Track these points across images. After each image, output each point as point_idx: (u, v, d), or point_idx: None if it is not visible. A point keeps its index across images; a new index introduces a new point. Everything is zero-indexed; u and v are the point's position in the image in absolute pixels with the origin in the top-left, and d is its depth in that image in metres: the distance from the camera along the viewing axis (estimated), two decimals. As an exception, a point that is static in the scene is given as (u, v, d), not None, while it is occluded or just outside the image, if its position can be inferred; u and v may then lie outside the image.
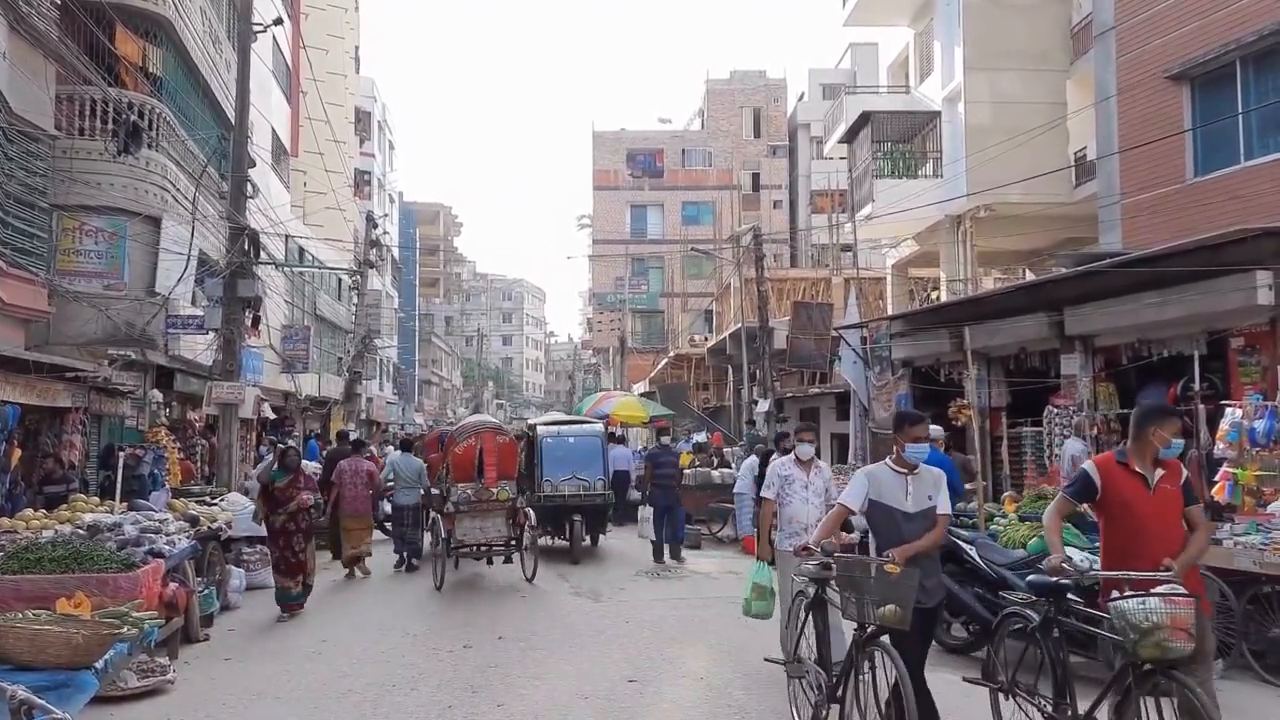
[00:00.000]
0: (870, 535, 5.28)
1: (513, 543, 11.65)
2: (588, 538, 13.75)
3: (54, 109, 12.44)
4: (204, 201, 14.48)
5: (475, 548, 11.62)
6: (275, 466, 10.17)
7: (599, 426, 15.72)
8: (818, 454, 7.18)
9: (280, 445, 12.94)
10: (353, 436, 17.35)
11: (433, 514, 12.60)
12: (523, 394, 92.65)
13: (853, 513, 5.18)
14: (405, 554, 12.96)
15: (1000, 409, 13.11)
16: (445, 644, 8.19)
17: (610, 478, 14.60)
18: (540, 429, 14.72)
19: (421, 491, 12.87)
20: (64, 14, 12.11)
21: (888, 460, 5.18)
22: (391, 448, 17.92)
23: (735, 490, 15.22)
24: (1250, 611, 6.82)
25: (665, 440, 15.64)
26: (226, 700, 6.57)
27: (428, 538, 13.13)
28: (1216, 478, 8.35)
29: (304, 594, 9.79)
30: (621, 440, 21.58)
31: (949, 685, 5.93)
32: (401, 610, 9.91)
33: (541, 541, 13.77)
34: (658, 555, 13.28)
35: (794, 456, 6.94)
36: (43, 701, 3.68)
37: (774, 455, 13.15)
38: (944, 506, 5.10)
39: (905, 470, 5.05)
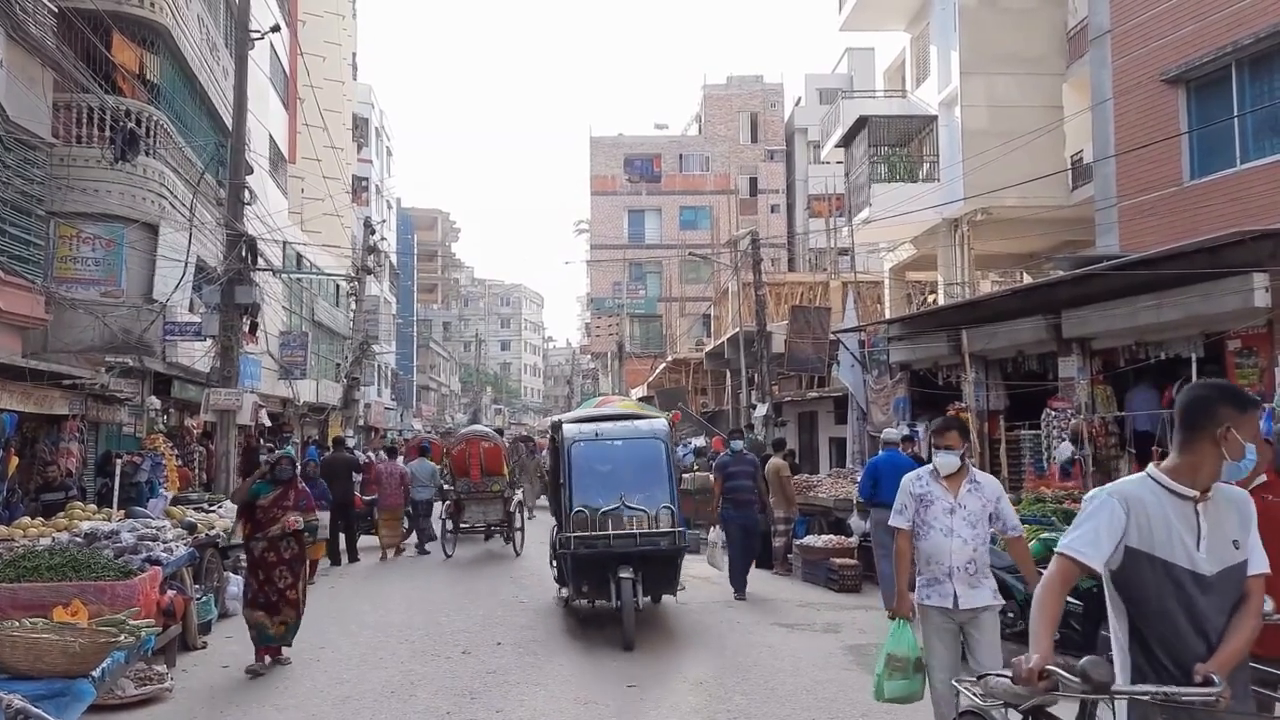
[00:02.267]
0: (1118, 603, 2.83)
1: (506, 524, 15.17)
2: (643, 598, 8.98)
3: (51, 117, 12.46)
4: (201, 208, 14.49)
5: (480, 526, 15.23)
6: (261, 479, 8.04)
7: (660, 425, 10.08)
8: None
9: (273, 451, 10.23)
10: (350, 442, 17.91)
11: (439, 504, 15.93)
12: (521, 399, 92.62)
13: (1091, 575, 2.78)
14: (420, 541, 15.57)
15: (998, 412, 13.11)
16: (444, 650, 8.18)
17: (677, 504, 9.17)
18: (568, 429, 9.64)
19: (435, 489, 15.66)
20: (61, 21, 12.12)
21: (1153, 470, 2.82)
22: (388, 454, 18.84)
23: None
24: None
25: (739, 445, 11.76)
26: (224, 708, 6.55)
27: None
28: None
29: (290, 634, 7.87)
30: None
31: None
32: (400, 616, 9.89)
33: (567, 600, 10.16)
34: (737, 586, 10.73)
35: (932, 468, 5.04)
36: (39, 710, 3.67)
37: (772, 458, 13.18)
38: (1260, 562, 2.79)
39: (1194, 494, 2.74)
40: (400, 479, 15.22)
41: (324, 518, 12.56)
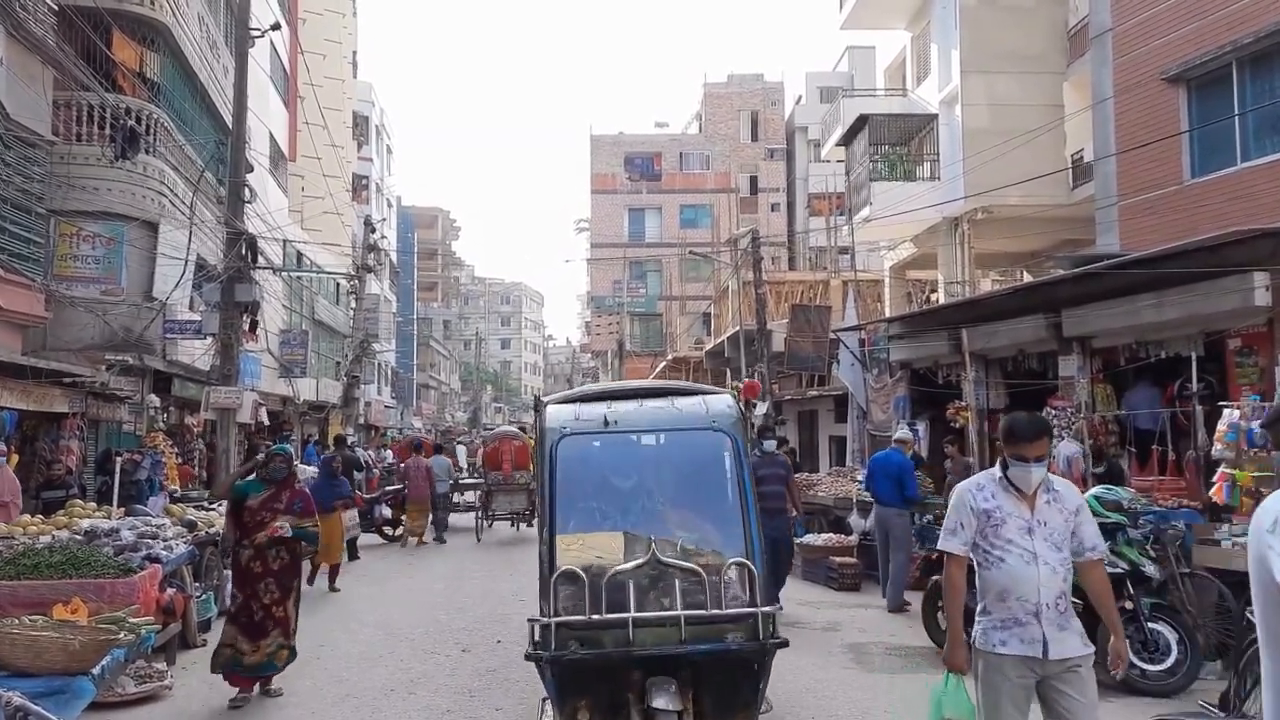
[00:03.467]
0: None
1: (530, 511, 16.58)
2: None
3: (51, 114, 12.45)
4: (201, 207, 14.49)
5: (508, 514, 17.39)
6: (247, 475, 7.10)
7: (721, 404, 5.56)
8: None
9: (266, 447, 8.12)
10: (350, 440, 18.44)
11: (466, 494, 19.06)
12: (521, 398, 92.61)
13: None
14: (438, 531, 17.04)
15: (998, 411, 13.10)
16: (443, 648, 8.19)
17: (759, 554, 5.04)
18: (554, 415, 5.47)
19: (451, 482, 17.62)
20: (61, 19, 12.12)
21: None
22: (389, 451, 20.89)
23: None
24: (1249, 612, 6.81)
25: (769, 444, 9.96)
26: (224, 706, 6.54)
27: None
28: (1215, 479, 8.35)
29: (288, 660, 6.79)
30: None
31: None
32: (400, 615, 9.89)
33: None
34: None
35: (997, 476, 3.92)
36: (39, 708, 3.67)
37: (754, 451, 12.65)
38: None
39: None
40: (426, 473, 16.71)
41: (353, 515, 12.56)
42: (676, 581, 4.66)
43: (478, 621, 9.38)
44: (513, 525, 18.07)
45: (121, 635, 5.04)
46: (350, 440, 21.32)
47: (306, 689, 6.95)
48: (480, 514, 17.44)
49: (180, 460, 14.78)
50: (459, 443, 28.28)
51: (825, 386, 19.91)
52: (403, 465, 17.62)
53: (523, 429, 21.07)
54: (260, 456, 7.25)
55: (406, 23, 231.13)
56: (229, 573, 9.47)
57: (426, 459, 17.28)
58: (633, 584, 4.62)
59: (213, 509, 10.63)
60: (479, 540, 16.57)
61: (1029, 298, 12.23)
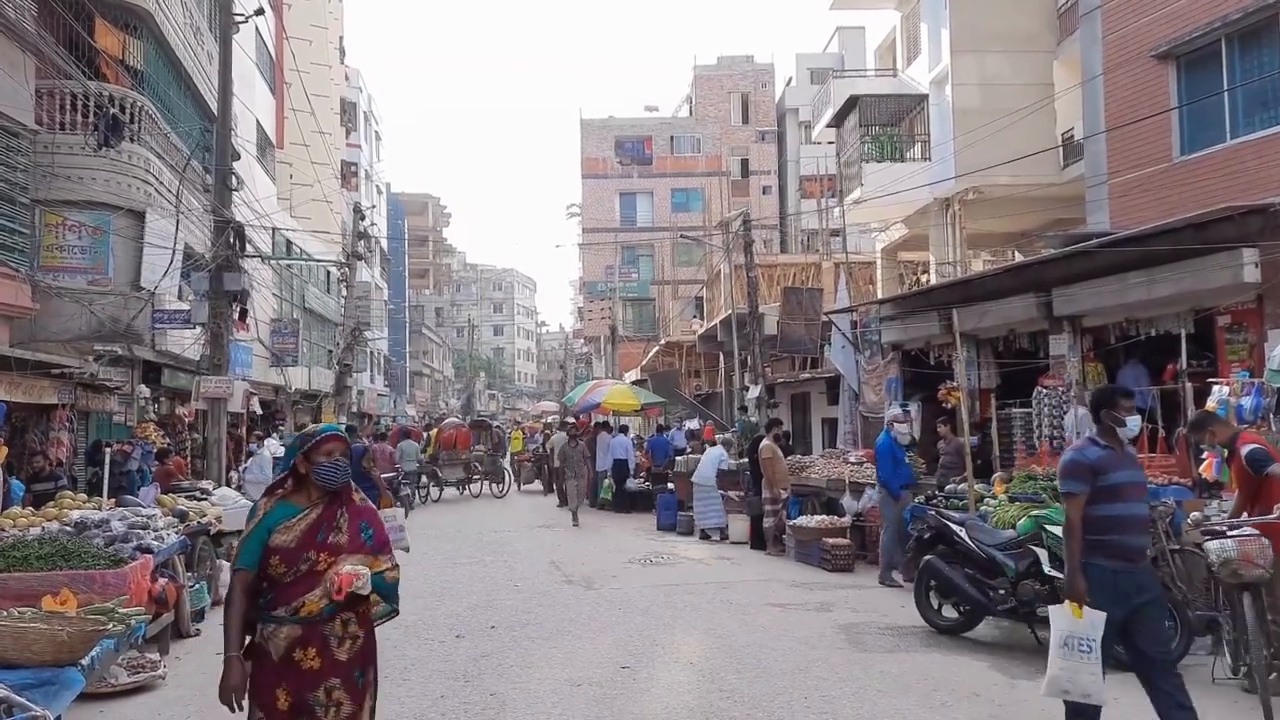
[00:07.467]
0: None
1: (466, 480, 23.51)
2: None
3: (34, 103, 12.32)
4: (188, 195, 14.38)
5: (454, 482, 23.22)
6: (281, 494, 3.70)
7: None
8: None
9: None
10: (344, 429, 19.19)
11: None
12: (515, 384, 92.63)
13: None
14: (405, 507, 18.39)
15: (989, 390, 13.13)
16: (437, 634, 8.19)
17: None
18: None
19: (418, 464, 21.61)
20: (41, 6, 11.98)
21: None
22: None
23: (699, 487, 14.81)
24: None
25: (1134, 425, 4.72)
26: (217, 695, 6.53)
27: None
28: (1204, 455, 8.38)
29: None
30: (624, 429, 21.88)
31: (940, 665, 5.93)
32: (394, 602, 9.87)
33: None
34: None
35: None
36: (23, 700, 3.65)
37: (764, 440, 13.09)
38: None
39: None
40: (390, 458, 18.74)
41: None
42: None
43: (471, 608, 9.39)
44: (458, 489, 23.23)
45: (111, 626, 5.01)
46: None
47: (300, 677, 6.94)
48: (430, 481, 22.52)
49: (174, 451, 14.70)
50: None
51: (818, 369, 19.91)
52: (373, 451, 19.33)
53: (492, 417, 26.41)
54: (293, 441, 3.90)
55: (394, 8, 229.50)
56: (223, 563, 9.31)
57: (389, 445, 20.21)
58: None
59: (204, 499, 10.58)
60: (435, 500, 22.05)
61: (1020, 277, 12.23)
